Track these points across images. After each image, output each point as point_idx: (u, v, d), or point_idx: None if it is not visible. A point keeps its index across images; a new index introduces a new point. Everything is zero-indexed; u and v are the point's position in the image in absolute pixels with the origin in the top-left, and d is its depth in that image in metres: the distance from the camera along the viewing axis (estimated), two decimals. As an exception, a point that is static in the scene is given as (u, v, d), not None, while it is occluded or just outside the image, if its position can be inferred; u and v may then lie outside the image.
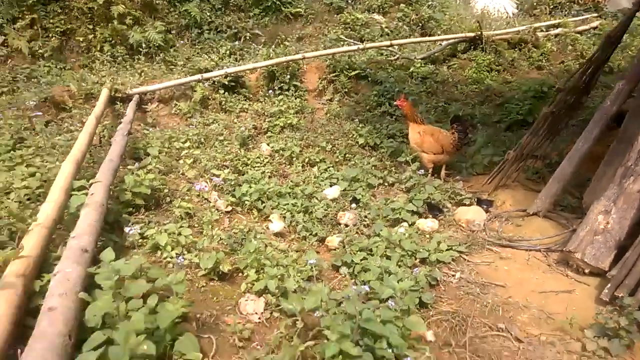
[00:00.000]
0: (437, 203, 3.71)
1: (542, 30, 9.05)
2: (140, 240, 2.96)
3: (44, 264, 2.33)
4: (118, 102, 5.52)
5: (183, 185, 3.91)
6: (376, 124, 5.68)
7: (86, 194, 2.87)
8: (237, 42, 8.18)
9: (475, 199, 3.85)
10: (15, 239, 2.45)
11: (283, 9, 8.96)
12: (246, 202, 3.64)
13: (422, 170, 4.25)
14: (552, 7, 11.73)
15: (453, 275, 2.87)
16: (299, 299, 2.16)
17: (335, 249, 3.10)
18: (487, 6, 12.35)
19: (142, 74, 6.82)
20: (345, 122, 5.75)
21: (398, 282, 2.47)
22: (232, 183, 3.90)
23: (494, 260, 3.07)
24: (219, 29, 8.46)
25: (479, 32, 8.02)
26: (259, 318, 2.39)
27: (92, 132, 3.99)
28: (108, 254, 2.22)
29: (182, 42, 8.05)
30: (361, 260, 2.84)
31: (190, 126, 5.35)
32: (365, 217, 3.52)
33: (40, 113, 5.12)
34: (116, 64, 7.16)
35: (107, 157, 3.54)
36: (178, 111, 5.84)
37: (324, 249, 3.21)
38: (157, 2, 8.10)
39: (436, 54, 8.02)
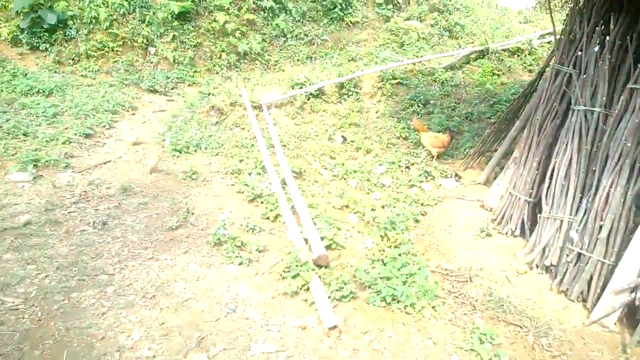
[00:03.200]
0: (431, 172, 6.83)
1: (541, 37, 11.81)
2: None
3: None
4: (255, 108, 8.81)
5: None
6: (408, 120, 8.40)
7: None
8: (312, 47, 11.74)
9: (453, 174, 6.82)
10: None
11: (345, 18, 12.15)
12: (339, 174, 6.71)
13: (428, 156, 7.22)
14: (564, 2, 14.70)
15: (433, 211, 5.97)
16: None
17: (378, 199, 6.21)
18: (509, 1, 15.25)
19: (250, 78, 10.49)
20: (389, 119, 8.64)
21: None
22: (331, 164, 6.94)
23: (452, 205, 6.12)
24: (298, 37, 11.55)
25: (486, 46, 10.77)
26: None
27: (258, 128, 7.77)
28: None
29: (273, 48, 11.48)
30: (394, 201, 6.02)
31: (296, 125, 8.29)
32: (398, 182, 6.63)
33: (214, 113, 8.48)
34: (229, 68, 10.89)
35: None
36: (287, 114, 8.70)
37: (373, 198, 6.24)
38: (256, 19, 10.99)
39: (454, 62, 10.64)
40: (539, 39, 11.73)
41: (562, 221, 4.72)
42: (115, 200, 5.37)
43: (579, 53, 5.19)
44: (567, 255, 4.51)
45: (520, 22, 13.85)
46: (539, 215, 5.07)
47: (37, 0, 9.57)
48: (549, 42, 11.60)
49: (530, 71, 10.74)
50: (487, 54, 10.82)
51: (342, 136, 8.03)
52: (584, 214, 4.53)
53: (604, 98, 4.79)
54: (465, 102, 9.20)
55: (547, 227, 4.84)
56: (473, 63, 10.86)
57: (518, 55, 11.11)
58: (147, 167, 6.16)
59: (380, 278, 4.21)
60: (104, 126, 7.54)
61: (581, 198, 4.71)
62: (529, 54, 11.14)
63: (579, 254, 4.42)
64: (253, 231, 4.98)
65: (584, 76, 5.00)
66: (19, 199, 5.13)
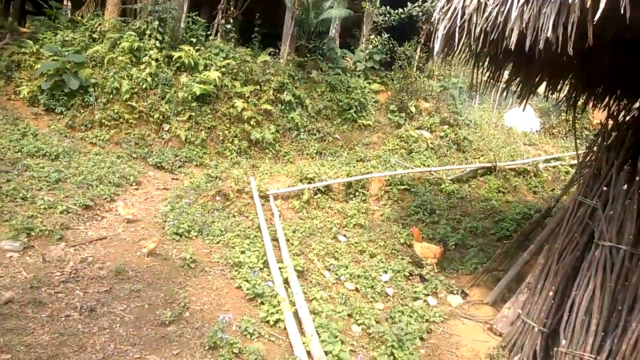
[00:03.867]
0: (425, 275, 6.75)
1: (546, 162, 12.07)
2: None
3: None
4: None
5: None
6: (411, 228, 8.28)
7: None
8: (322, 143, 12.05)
9: (459, 290, 6.58)
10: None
11: (358, 120, 12.50)
12: (342, 278, 6.36)
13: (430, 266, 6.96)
14: (567, 130, 15.42)
15: (438, 328, 5.64)
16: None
17: (382, 310, 5.91)
18: (515, 123, 15.92)
19: (259, 166, 10.40)
20: (394, 224, 8.50)
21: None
22: (334, 265, 6.63)
23: (459, 324, 5.85)
24: (310, 132, 11.80)
25: (494, 163, 11.02)
26: None
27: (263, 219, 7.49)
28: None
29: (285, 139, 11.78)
30: (399, 314, 5.64)
31: (300, 219, 8.06)
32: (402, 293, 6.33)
33: (219, 198, 8.18)
34: (239, 154, 10.93)
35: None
36: (293, 206, 8.52)
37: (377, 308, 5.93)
38: (273, 110, 11.16)
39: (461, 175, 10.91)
40: (545, 162, 11.91)
41: (582, 359, 4.42)
42: (106, 283, 5.02)
43: (605, 188, 5.13)
44: (591, 398, 4.14)
45: (525, 144, 14.20)
46: (554, 348, 4.74)
47: (64, 65, 9.79)
48: (554, 167, 11.81)
49: (535, 192, 10.90)
50: (495, 171, 10.92)
51: (344, 235, 7.83)
52: (608, 355, 4.23)
53: (632, 237, 4.66)
54: (470, 215, 9.16)
55: (566, 364, 4.51)
56: (480, 178, 10.96)
57: (524, 176, 11.25)
58: (144, 249, 5.80)
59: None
60: (105, 198, 7.34)
61: (603, 336, 4.43)
62: (535, 176, 11.26)
63: (604, 399, 4.05)
64: (251, 336, 4.57)
65: (610, 212, 4.90)
66: (4, 270, 4.81)
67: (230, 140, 10.88)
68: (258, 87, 11.71)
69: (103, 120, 9.99)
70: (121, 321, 4.42)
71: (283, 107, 11.79)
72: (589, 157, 5.96)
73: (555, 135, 15.87)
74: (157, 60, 10.79)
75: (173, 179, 9.46)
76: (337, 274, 6.49)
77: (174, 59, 11.04)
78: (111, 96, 10.25)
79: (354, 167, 10.56)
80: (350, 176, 9.76)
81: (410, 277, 6.83)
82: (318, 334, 4.63)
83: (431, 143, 12.35)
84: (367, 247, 7.49)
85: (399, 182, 9.84)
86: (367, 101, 13.04)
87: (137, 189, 8.41)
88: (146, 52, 10.76)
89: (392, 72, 14.33)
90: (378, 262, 7.05)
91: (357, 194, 9.45)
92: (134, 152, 9.75)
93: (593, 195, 5.27)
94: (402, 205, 9.39)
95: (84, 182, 7.54)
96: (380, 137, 12.67)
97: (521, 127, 15.84)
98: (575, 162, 9.10)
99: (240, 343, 4.32)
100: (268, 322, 4.90)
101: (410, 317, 5.63)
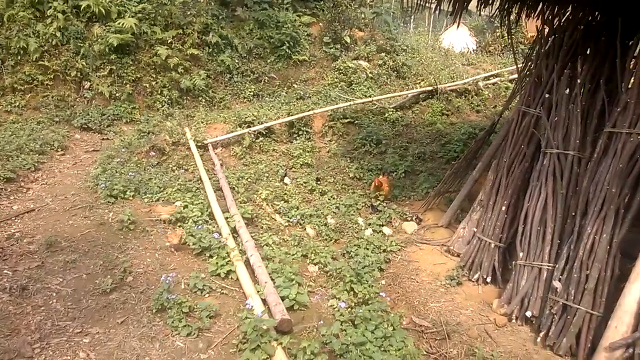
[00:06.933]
0: (378, 206, 6.64)
1: (485, 79, 11.88)
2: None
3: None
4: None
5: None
6: (361, 160, 8.26)
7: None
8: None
9: (414, 216, 6.50)
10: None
11: (292, 56, 11.88)
12: (294, 220, 6.16)
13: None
14: (503, 46, 15.28)
15: (396, 257, 5.54)
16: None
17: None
18: (451, 44, 15.49)
19: (194, 116, 9.92)
20: (341, 159, 8.31)
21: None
22: (285, 208, 6.38)
23: (416, 250, 5.75)
24: (244, 74, 11.17)
25: (435, 86, 10.77)
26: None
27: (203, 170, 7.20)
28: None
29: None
30: (355, 248, 5.50)
31: (244, 166, 7.74)
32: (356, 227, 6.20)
33: (154, 154, 7.71)
34: (170, 105, 10.29)
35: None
36: (235, 153, 8.17)
37: (336, 244, 5.82)
38: (200, 54, 10.41)
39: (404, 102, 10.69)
40: (484, 80, 11.90)
41: (540, 269, 4.43)
42: (37, 258, 4.61)
43: (547, 95, 5.03)
44: (551, 306, 4.15)
45: (463, 64, 14.14)
46: (512, 262, 4.77)
47: (-45, 26, 8.65)
48: (493, 84, 11.80)
49: (477, 111, 10.89)
50: (436, 94, 10.81)
51: (285, 174, 7.57)
52: (566, 262, 4.22)
53: (577, 141, 4.60)
54: (416, 141, 9.09)
55: (524, 276, 4.53)
56: (422, 103, 10.83)
57: (465, 97, 11.18)
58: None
59: (354, 345, 3.65)
60: (28, 169, 6.76)
61: (559, 244, 4.43)
62: (476, 95, 11.24)
63: (564, 305, 4.06)
64: (202, 292, 4.33)
65: (555, 119, 4.81)
66: None
67: (159, 92, 10.22)
68: (180, 31, 10.88)
69: (15, 85, 9.13)
70: (57, 296, 4.07)
71: (211, 50, 11.07)
72: (528, 67, 5.84)
73: (492, 53, 15.91)
74: (63, 12, 9.72)
75: (103, 139, 8.86)
76: (288, 217, 6.27)
77: (82, 8, 9.94)
78: (19, 57, 9.32)
79: (294, 105, 10.21)
80: (291, 115, 9.42)
81: (375, 208, 6.70)
82: (272, 279, 4.44)
83: (370, 72, 12.08)
84: (317, 185, 7.29)
85: (342, 116, 9.62)
86: (299, 35, 12.45)
87: (63, 155, 7.83)
88: (50, 5, 9.68)
89: (322, 2, 13.67)
90: (329, 199, 6.88)
91: (300, 133, 9.18)
92: (55, 115, 9.02)
93: (536, 104, 5.18)
94: (347, 139, 9.20)
95: (2, 153, 6.89)
96: (318, 71, 12.27)
97: (458, 47, 15.74)
98: (514, 77, 9.07)
99: (190, 301, 4.08)
100: (219, 275, 4.66)
101: (367, 249, 5.51)
